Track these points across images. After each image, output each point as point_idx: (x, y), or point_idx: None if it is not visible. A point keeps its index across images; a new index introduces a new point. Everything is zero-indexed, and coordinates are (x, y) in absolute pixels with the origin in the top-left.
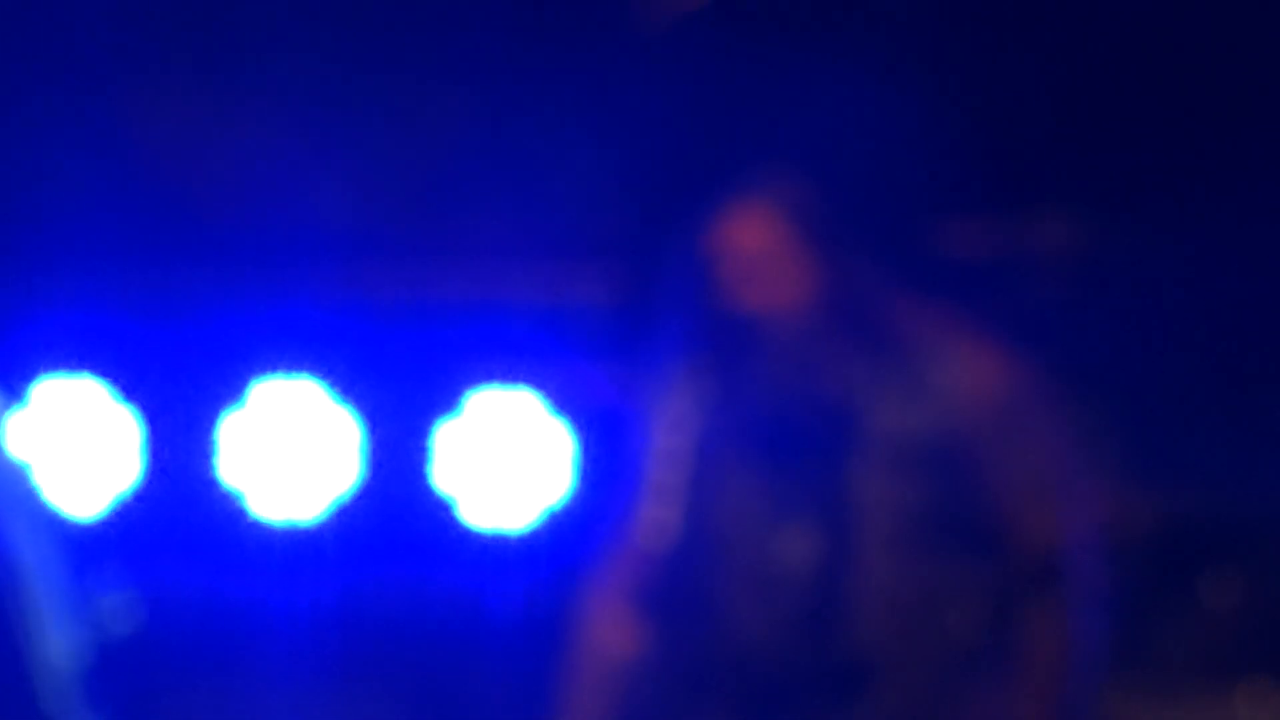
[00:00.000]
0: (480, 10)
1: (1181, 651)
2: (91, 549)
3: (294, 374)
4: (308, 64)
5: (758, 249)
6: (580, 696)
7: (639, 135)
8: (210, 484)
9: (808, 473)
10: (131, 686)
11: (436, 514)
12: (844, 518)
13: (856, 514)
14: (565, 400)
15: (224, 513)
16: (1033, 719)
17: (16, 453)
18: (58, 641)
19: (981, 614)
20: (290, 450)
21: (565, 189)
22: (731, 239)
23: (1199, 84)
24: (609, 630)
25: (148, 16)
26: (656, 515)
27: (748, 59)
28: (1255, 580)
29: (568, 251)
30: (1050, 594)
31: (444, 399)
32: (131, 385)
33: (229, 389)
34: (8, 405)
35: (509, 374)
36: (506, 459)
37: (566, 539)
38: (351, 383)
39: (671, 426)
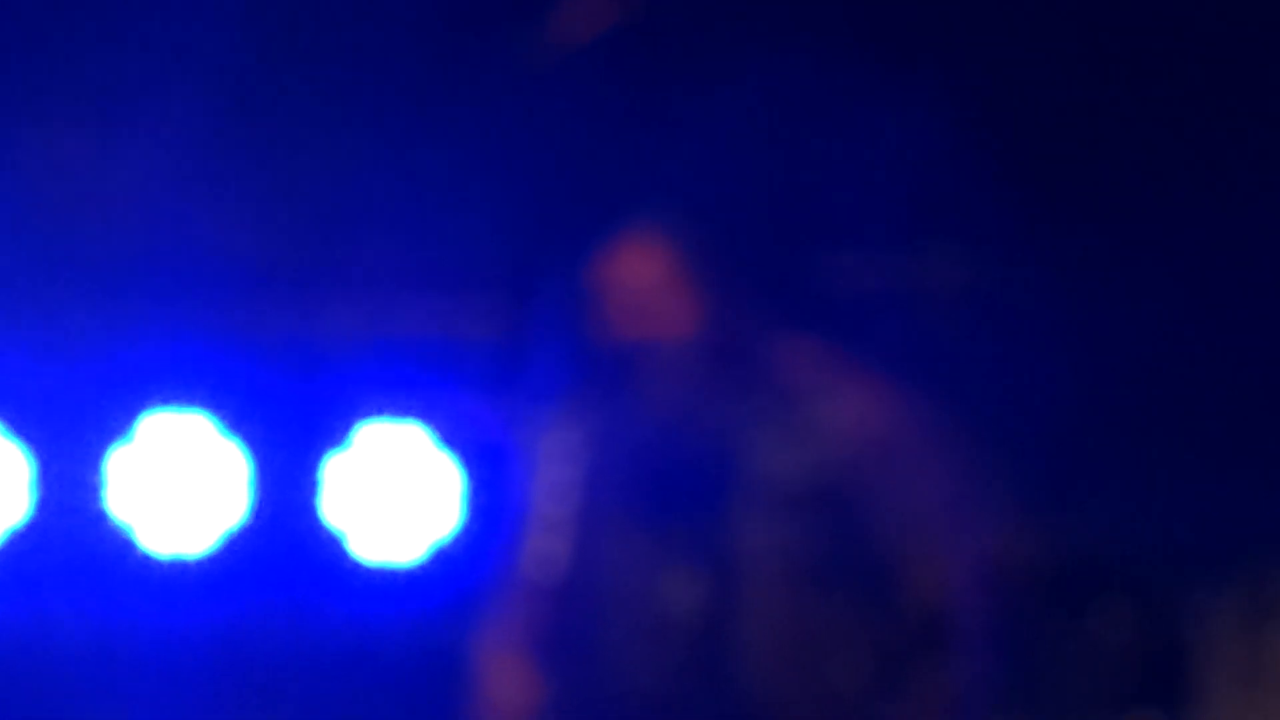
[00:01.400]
0: (367, 43)
1: (1073, 686)
2: None
3: (183, 408)
4: (198, 97)
5: (642, 283)
6: None
7: (526, 169)
8: (100, 517)
9: (691, 511)
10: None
11: (326, 547)
12: (726, 556)
13: (739, 554)
14: (453, 434)
15: (113, 546)
16: None
17: None
18: None
19: (868, 657)
20: (179, 483)
21: (452, 223)
22: (616, 273)
23: (1091, 114)
24: (497, 666)
25: (35, 49)
26: (542, 550)
27: (632, 95)
28: (1144, 613)
29: (455, 285)
30: (937, 636)
31: (333, 432)
32: (20, 420)
33: (117, 423)
34: None
35: (397, 408)
36: (395, 492)
37: (455, 573)
38: (240, 416)
39: (556, 461)
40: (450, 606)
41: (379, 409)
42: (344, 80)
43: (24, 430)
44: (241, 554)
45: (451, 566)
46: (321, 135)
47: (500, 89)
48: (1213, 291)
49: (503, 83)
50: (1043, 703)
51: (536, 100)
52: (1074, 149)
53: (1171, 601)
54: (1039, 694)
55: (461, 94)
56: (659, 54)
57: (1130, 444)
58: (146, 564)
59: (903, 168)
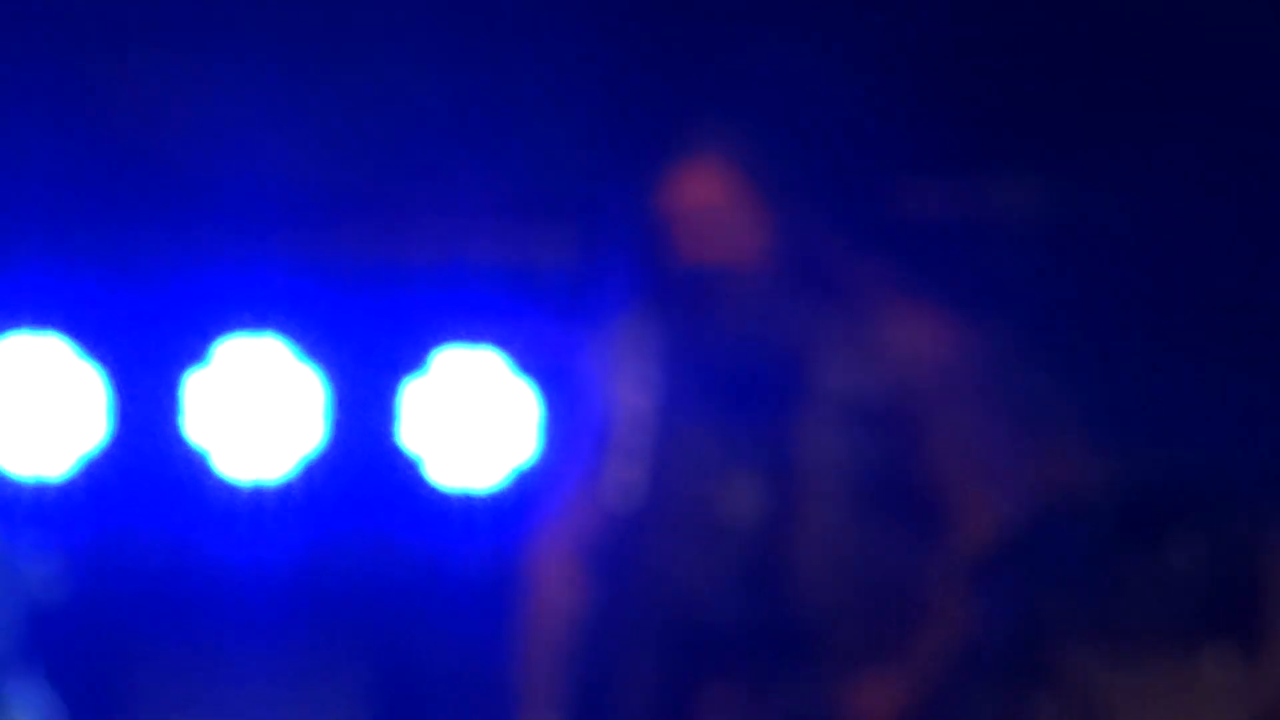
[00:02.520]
0: None
1: (1147, 618)
2: (59, 507)
3: (259, 333)
4: (271, 28)
5: (711, 205)
6: (539, 652)
7: (596, 93)
8: (177, 441)
9: (759, 427)
10: (99, 644)
11: (404, 472)
12: (793, 472)
13: (805, 470)
14: (529, 359)
15: (190, 470)
16: (975, 683)
17: None
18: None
19: (927, 574)
20: (256, 409)
21: (523, 149)
22: (686, 195)
23: (1162, 53)
24: (566, 586)
25: None
26: (619, 473)
27: (701, 15)
28: (1220, 546)
29: (528, 210)
30: (991, 561)
31: (410, 358)
32: (97, 344)
33: (194, 347)
34: None
35: (474, 333)
36: (473, 418)
37: (533, 498)
38: (317, 341)
39: (631, 385)
40: (528, 532)
41: (456, 334)
42: (416, 5)
43: (101, 354)
44: (319, 480)
45: (530, 491)
46: (395, 61)
47: (569, 13)
48: None
49: (571, 7)
50: (1116, 635)
51: (608, 20)
52: (1149, 79)
53: (1245, 533)
54: (1112, 626)
55: (533, 16)
56: None
57: (1207, 373)
58: (223, 489)
59: (976, 92)
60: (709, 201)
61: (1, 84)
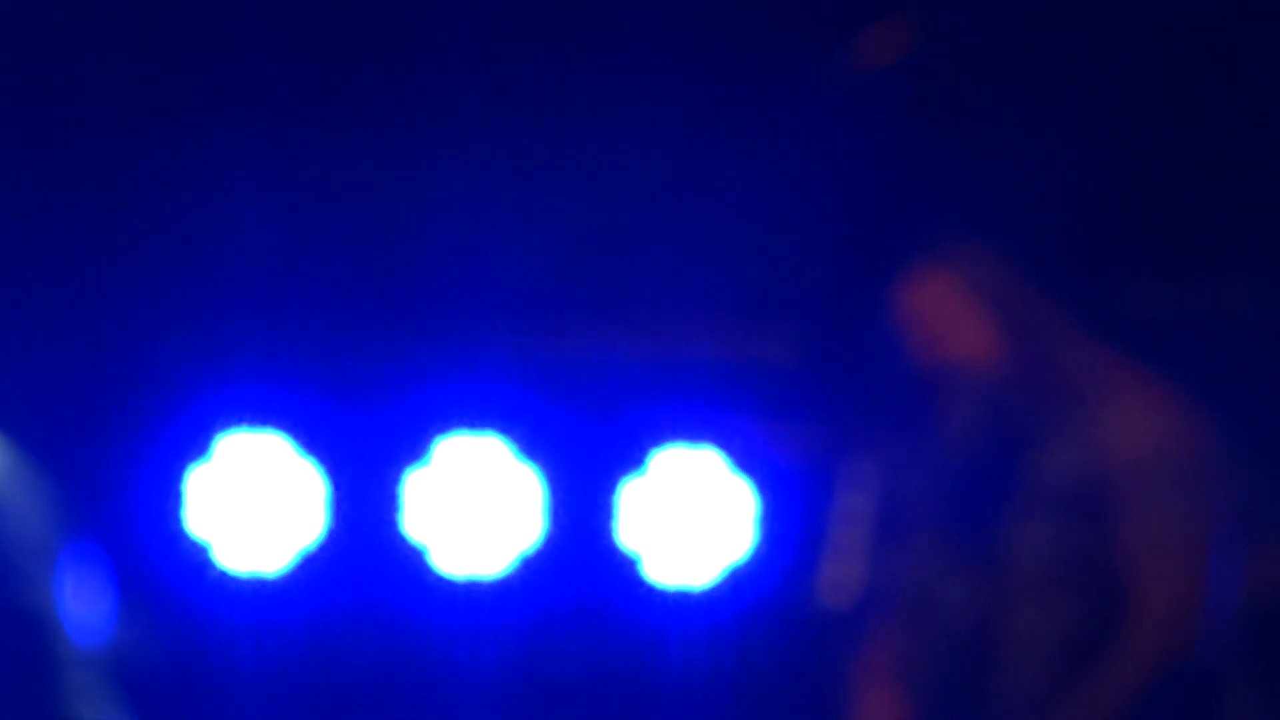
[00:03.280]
0: (672, 64)
1: None
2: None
3: (479, 432)
4: (486, 125)
5: (946, 309)
6: None
7: (827, 191)
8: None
9: (983, 533)
10: None
11: (620, 569)
12: (1013, 573)
13: (1025, 571)
14: (748, 459)
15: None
16: None
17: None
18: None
19: (1141, 676)
20: (474, 507)
21: (754, 246)
22: (921, 298)
23: None
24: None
25: (336, 64)
26: (838, 573)
27: (938, 117)
28: None
29: (754, 308)
30: (1198, 667)
31: (628, 458)
32: (318, 444)
33: (414, 447)
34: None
35: (694, 432)
36: (689, 516)
37: (746, 595)
38: (535, 443)
39: (857, 485)
40: (739, 627)
41: (675, 433)
42: (646, 99)
43: (322, 454)
44: (537, 571)
45: (743, 590)
46: (623, 154)
47: (808, 106)
48: None
49: (811, 100)
50: None
51: (843, 119)
52: None
53: None
54: None
55: (768, 112)
56: (969, 73)
57: None
58: (440, 585)
59: (1198, 192)
60: (944, 302)
61: (229, 180)
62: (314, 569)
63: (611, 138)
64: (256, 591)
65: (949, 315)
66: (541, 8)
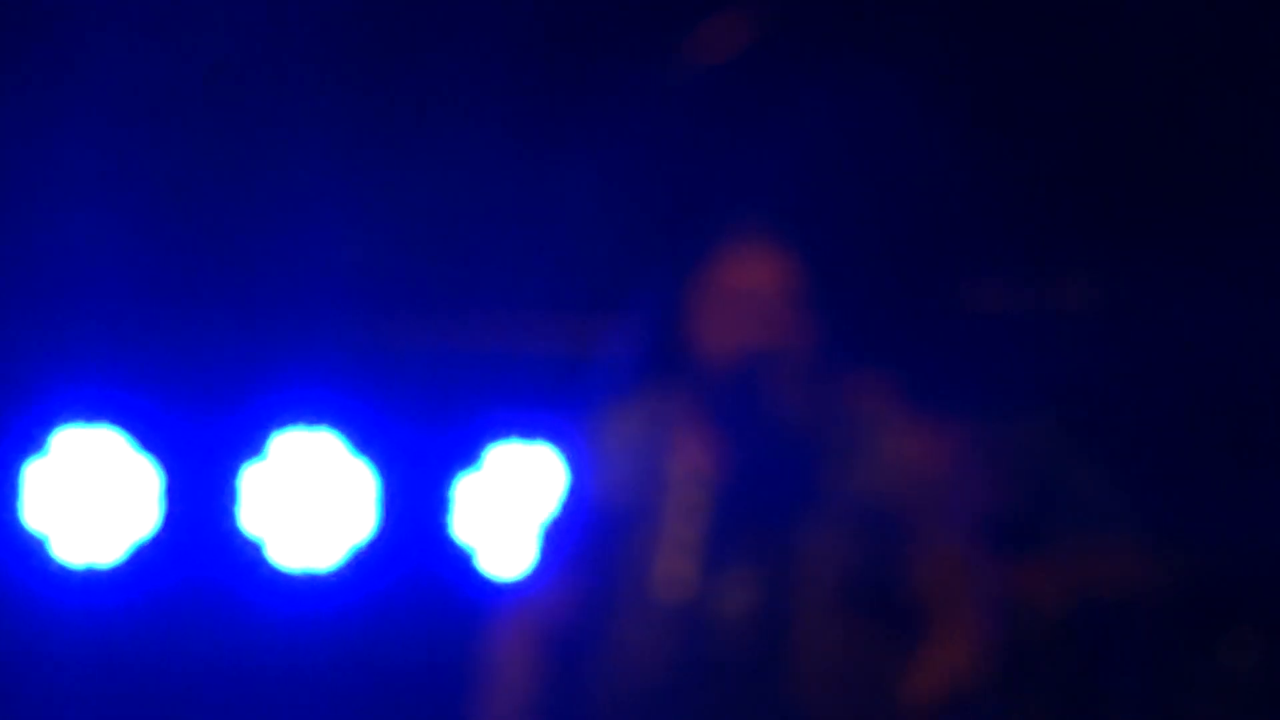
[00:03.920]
0: (492, 61)
1: (1200, 712)
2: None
3: (314, 427)
4: (318, 123)
5: (739, 299)
6: None
7: (642, 187)
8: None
9: (753, 522)
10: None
11: (453, 562)
12: (783, 569)
13: (795, 567)
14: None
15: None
16: None
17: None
18: None
19: (906, 680)
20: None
21: (560, 241)
22: (714, 287)
23: (1212, 146)
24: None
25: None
26: (626, 553)
27: (746, 106)
28: (1273, 640)
29: (568, 302)
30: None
31: (463, 454)
32: (152, 436)
33: (251, 440)
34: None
35: (525, 428)
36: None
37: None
38: (368, 436)
39: (642, 470)
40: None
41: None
42: (472, 100)
43: (156, 446)
44: (371, 567)
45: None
46: (453, 158)
47: (621, 110)
48: None
49: (625, 104)
50: None
51: (655, 121)
52: (1201, 169)
53: None
54: (1167, 716)
55: (586, 114)
56: (772, 70)
57: (1262, 471)
58: (277, 578)
59: (1010, 188)
60: (742, 290)
61: (70, 181)
62: (149, 561)
63: (435, 138)
64: (91, 583)
65: (743, 306)
66: (371, 7)
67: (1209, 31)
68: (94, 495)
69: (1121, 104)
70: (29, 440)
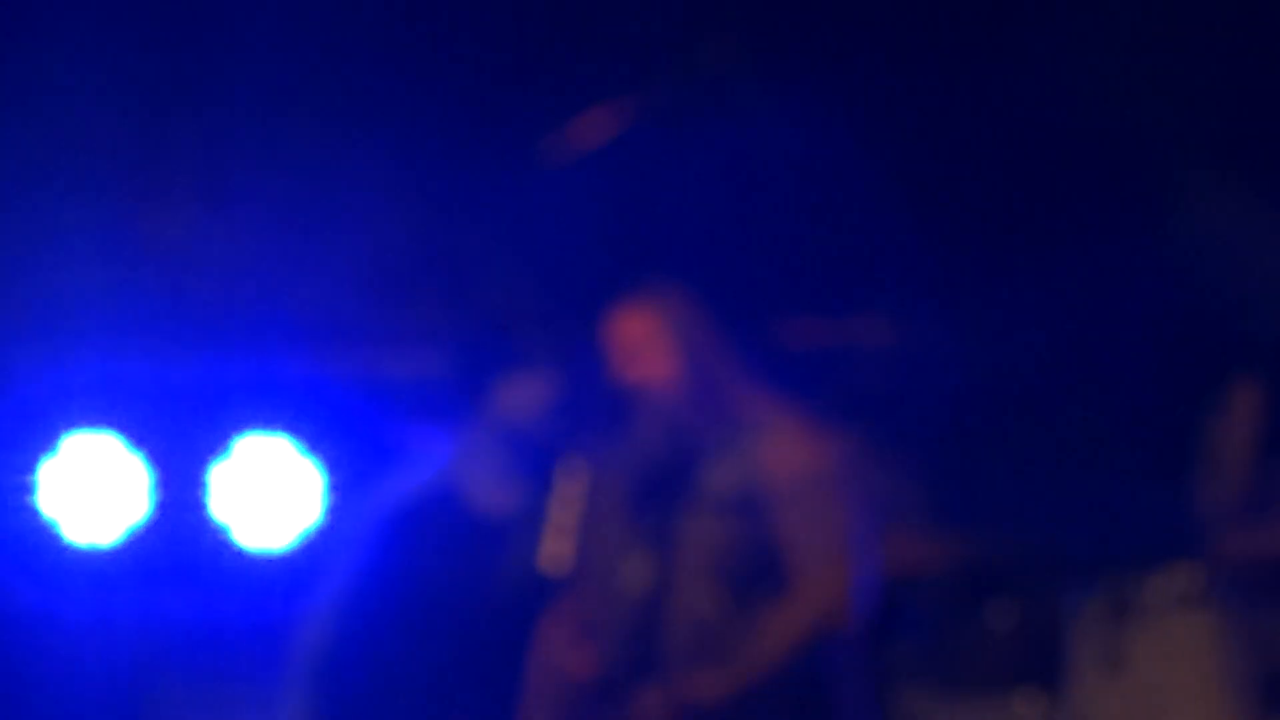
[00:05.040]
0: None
1: (972, 666)
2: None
3: (270, 432)
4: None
5: (637, 339)
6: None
7: (546, 256)
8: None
9: (654, 518)
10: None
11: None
12: (677, 554)
13: (682, 547)
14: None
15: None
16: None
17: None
18: None
19: (768, 639)
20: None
21: (498, 293)
22: (620, 330)
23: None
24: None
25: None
26: (553, 546)
27: (628, 191)
28: (1028, 610)
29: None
30: (850, 620)
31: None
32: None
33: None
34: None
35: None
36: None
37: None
38: (318, 438)
39: (569, 473)
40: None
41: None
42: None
43: (145, 447)
44: (317, 550)
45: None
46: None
47: (525, 177)
48: (1089, 355)
49: (528, 172)
50: (947, 679)
51: (550, 192)
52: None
53: (1049, 600)
54: (944, 672)
55: (487, 179)
56: (646, 167)
57: (1019, 479)
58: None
59: (833, 246)
60: (636, 335)
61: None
62: (140, 542)
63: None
64: (93, 559)
65: (644, 346)
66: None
67: (1057, 77)
68: (96, 487)
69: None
70: (42, 442)
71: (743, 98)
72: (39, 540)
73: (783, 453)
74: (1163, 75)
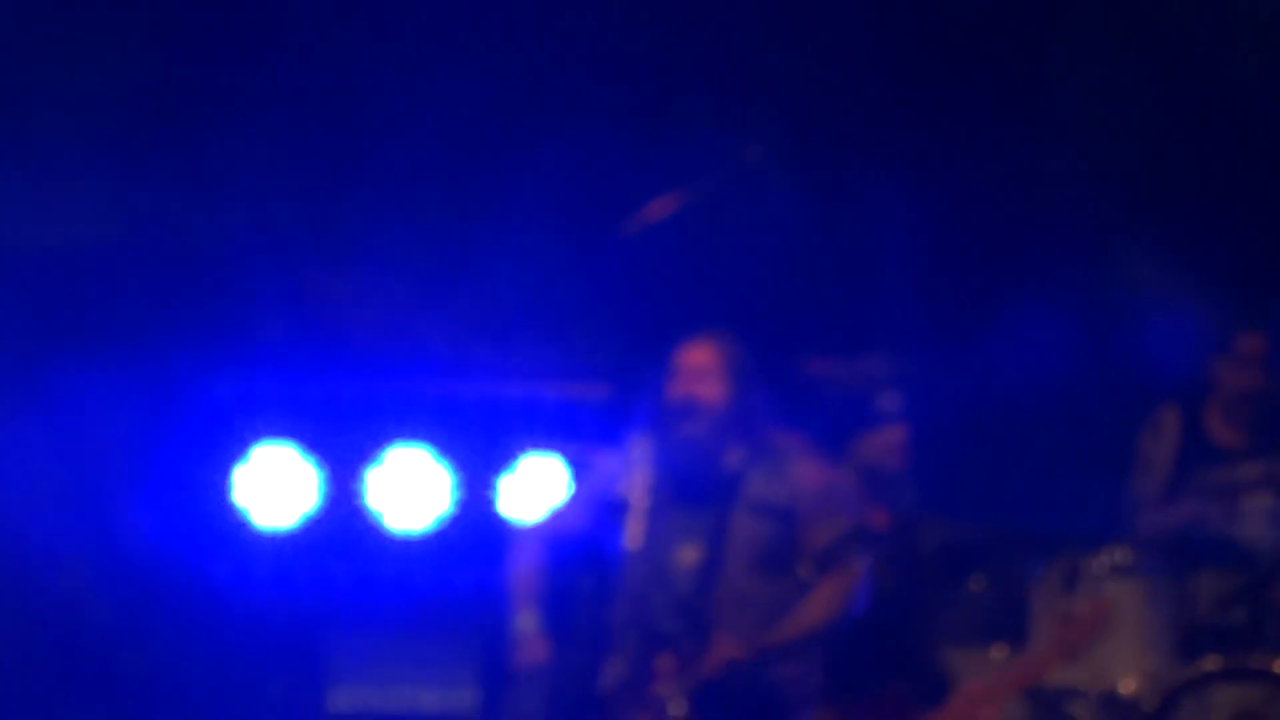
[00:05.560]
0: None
1: (953, 626)
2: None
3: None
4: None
5: (695, 371)
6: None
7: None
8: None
9: (705, 514)
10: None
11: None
12: (722, 544)
13: (728, 543)
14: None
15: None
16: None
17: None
18: None
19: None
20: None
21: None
22: (682, 363)
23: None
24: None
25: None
26: (629, 528)
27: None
28: (998, 580)
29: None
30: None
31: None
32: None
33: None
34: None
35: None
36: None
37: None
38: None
39: (636, 468)
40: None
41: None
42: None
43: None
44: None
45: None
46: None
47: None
48: (1052, 387)
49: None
50: (933, 638)
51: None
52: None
53: (1016, 572)
54: (931, 632)
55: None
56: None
57: (992, 478)
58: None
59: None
60: (695, 367)
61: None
62: (313, 528)
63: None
64: (276, 540)
65: (705, 372)
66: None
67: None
68: (278, 484)
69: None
70: (236, 451)
71: (776, 187)
72: (234, 525)
73: (810, 473)
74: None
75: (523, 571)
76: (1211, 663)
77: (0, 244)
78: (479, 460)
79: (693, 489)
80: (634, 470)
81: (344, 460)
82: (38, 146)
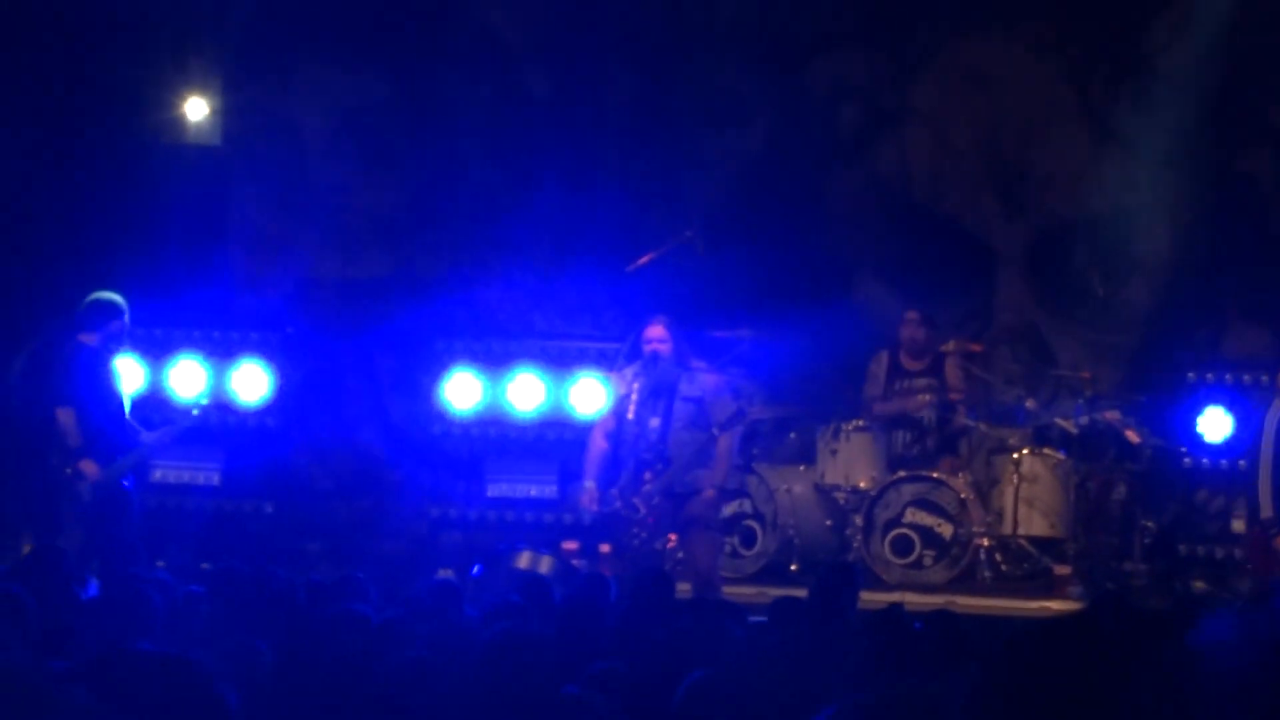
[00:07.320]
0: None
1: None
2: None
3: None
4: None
5: (656, 335)
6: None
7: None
8: None
9: (661, 406)
10: None
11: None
12: (667, 419)
13: (673, 417)
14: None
15: None
16: None
17: None
18: None
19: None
20: None
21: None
22: (649, 332)
23: None
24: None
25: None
26: (634, 414)
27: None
28: (803, 434)
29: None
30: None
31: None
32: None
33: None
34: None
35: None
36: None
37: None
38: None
39: (631, 385)
40: None
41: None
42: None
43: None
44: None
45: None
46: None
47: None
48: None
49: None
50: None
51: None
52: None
53: (807, 431)
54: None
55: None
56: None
57: (799, 384)
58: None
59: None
60: (656, 335)
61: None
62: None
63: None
64: None
65: (659, 338)
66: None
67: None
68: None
69: None
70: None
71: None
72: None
73: (710, 382)
74: None
75: (590, 449)
76: (902, 473)
77: None
78: (563, 375)
79: (656, 391)
80: (631, 383)
81: (493, 374)
82: None
